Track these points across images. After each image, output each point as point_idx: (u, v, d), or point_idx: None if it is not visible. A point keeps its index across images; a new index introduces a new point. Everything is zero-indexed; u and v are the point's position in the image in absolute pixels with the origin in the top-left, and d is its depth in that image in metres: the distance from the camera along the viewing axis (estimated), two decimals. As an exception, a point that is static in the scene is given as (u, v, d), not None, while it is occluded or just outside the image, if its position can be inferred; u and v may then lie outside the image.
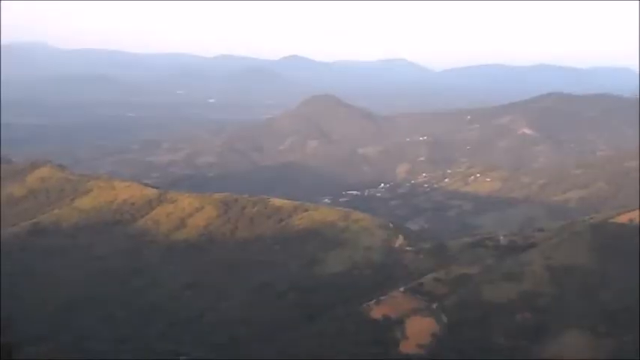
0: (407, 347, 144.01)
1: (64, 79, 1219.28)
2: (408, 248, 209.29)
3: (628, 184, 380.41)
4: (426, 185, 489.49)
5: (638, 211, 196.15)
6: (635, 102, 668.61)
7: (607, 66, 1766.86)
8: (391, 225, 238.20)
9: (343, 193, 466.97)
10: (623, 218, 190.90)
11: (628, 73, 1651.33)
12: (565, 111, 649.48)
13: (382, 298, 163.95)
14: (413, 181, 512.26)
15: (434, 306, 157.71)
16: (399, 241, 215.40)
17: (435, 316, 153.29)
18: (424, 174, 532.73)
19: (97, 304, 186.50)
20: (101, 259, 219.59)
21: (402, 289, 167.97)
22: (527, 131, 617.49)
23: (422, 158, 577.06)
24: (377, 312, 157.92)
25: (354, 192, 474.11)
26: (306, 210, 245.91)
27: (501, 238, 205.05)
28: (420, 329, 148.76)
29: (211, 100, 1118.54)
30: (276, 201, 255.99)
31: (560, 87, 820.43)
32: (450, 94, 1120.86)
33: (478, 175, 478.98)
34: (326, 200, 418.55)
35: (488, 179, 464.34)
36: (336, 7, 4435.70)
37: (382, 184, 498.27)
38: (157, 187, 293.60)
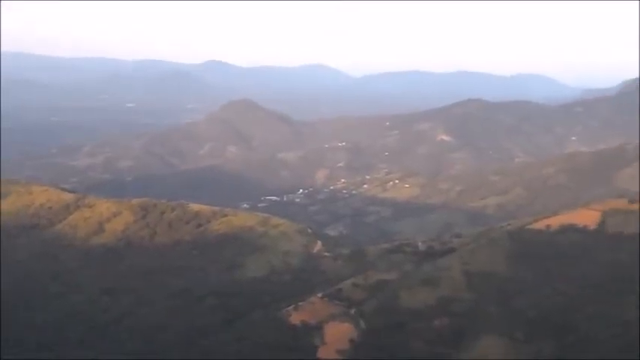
0: (325, 353, 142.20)
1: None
2: (326, 254, 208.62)
3: (545, 191, 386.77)
4: (344, 191, 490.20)
5: (554, 217, 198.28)
6: (554, 109, 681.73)
7: (527, 73, 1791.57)
8: (310, 230, 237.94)
9: (262, 198, 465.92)
10: (540, 225, 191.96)
11: (547, 80, 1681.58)
12: (484, 118, 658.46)
13: (301, 303, 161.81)
14: (332, 187, 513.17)
15: (352, 312, 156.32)
16: (318, 246, 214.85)
17: (354, 322, 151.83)
18: (343, 180, 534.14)
19: (14, 309, 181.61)
20: (19, 264, 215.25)
21: (320, 294, 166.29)
22: (445, 138, 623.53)
23: (341, 164, 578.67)
24: (295, 317, 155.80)
25: (273, 197, 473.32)
26: (225, 215, 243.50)
27: (419, 243, 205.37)
28: (338, 335, 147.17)
29: (130, 105, 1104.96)
30: (195, 206, 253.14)
31: (479, 94, 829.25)
32: (370, 100, 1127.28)
33: (397, 181, 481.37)
34: (245, 205, 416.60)
35: (407, 185, 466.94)
36: (256, 12, 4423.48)
37: (301, 190, 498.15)
38: (74, 192, 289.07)
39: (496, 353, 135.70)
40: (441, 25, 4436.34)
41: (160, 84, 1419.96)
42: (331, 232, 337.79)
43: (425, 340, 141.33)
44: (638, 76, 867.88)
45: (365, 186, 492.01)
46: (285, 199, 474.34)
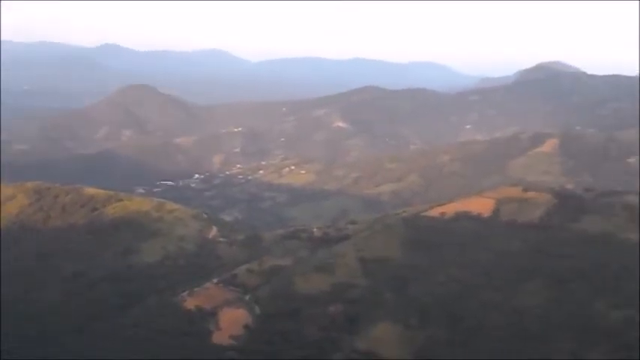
0: (219, 338, 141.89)
1: None
2: (221, 239, 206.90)
3: (440, 179, 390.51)
4: (240, 176, 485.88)
5: (449, 205, 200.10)
6: (450, 97, 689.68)
7: (423, 61, 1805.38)
8: (205, 216, 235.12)
9: (157, 183, 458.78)
10: (434, 212, 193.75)
11: (443, 69, 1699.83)
12: (380, 105, 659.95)
13: (196, 289, 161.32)
14: (228, 172, 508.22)
15: (247, 297, 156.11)
16: (213, 232, 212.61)
17: (248, 308, 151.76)
18: (239, 165, 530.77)
19: None
20: None
21: (215, 280, 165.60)
22: (342, 124, 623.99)
23: (237, 149, 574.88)
24: (190, 303, 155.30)
25: (169, 182, 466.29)
26: (120, 200, 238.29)
27: (315, 230, 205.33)
28: (232, 320, 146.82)
29: (26, 87, 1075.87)
30: (90, 190, 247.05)
31: (375, 81, 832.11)
32: (267, 86, 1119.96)
33: (293, 167, 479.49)
34: (140, 190, 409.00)
35: (303, 171, 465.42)
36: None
37: (197, 175, 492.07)
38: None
39: (390, 339, 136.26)
40: (339, 12, 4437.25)
41: (55, 67, 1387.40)
42: (227, 217, 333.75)
43: (319, 326, 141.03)
44: (534, 65, 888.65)
45: (261, 172, 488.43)
46: (180, 183, 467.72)
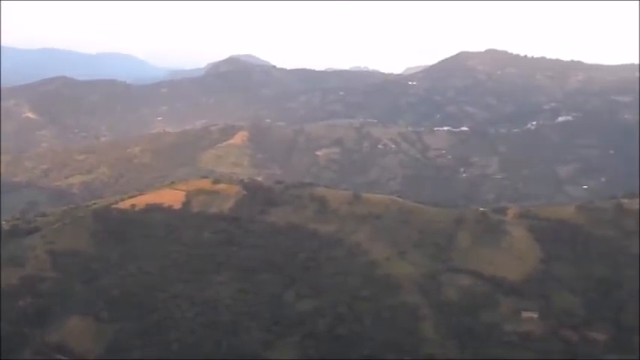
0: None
1: None
2: None
3: (131, 170, 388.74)
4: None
5: (140, 197, 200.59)
6: (140, 89, 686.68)
7: (112, 52, 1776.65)
8: None
9: None
10: (125, 204, 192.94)
11: (134, 60, 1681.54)
12: (70, 96, 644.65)
13: None
14: None
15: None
16: None
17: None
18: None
19: None
20: None
21: None
22: (31, 115, 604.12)
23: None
24: None
25: None
26: None
27: (3, 223, 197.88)
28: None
29: None
30: None
31: (65, 71, 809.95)
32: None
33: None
34: None
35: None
36: None
37: None
38: None
39: (81, 333, 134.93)
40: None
41: None
42: None
43: (9, 320, 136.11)
44: (225, 58, 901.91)
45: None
46: None
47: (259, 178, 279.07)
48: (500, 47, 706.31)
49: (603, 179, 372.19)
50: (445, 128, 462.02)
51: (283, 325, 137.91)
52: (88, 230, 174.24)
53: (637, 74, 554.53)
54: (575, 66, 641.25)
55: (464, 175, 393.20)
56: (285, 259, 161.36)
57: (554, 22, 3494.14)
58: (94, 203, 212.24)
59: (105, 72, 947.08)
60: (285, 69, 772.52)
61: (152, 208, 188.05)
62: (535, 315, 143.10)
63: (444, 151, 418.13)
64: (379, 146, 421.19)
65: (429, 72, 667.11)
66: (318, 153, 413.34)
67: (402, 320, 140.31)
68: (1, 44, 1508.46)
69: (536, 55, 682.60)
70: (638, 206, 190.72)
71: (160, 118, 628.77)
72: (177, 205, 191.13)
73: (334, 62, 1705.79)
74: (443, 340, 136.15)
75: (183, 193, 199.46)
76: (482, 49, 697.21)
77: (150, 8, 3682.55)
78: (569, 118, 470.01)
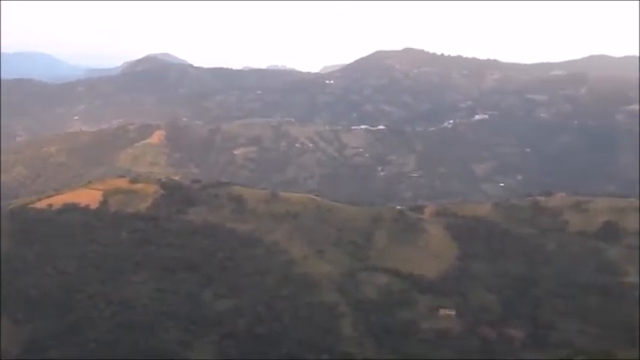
0: None
1: None
2: None
3: (47, 170, 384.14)
4: None
5: (57, 196, 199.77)
6: (56, 88, 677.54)
7: (27, 51, 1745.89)
8: None
9: None
10: (42, 204, 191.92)
11: (49, 59, 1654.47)
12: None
13: None
14: None
15: None
16: None
17: None
18: None
19: None
20: None
21: None
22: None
23: None
24: None
25: None
26: None
27: None
28: None
29: None
30: None
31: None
32: None
33: None
34: None
35: None
36: None
37: None
38: None
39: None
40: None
41: None
42: None
43: None
44: (141, 57, 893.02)
45: None
46: None
47: (177, 178, 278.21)
48: (417, 46, 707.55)
49: (520, 177, 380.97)
50: (362, 127, 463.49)
51: (202, 324, 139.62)
52: (4, 230, 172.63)
53: (552, 73, 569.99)
54: (491, 65, 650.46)
55: (381, 173, 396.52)
56: (203, 258, 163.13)
57: (471, 21, 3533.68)
58: (10, 203, 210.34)
59: (21, 71, 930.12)
60: (202, 68, 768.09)
61: (69, 208, 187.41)
62: (452, 312, 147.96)
63: (361, 150, 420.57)
64: (296, 145, 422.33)
65: (346, 71, 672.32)
66: (236, 152, 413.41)
67: (321, 319, 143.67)
68: None
69: (452, 54, 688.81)
70: (553, 204, 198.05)
71: (76, 118, 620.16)
72: (95, 205, 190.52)
73: (251, 61, 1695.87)
74: (361, 338, 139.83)
75: (101, 192, 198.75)
76: (400, 48, 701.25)
77: (65, 6, 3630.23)
78: (486, 116, 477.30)
